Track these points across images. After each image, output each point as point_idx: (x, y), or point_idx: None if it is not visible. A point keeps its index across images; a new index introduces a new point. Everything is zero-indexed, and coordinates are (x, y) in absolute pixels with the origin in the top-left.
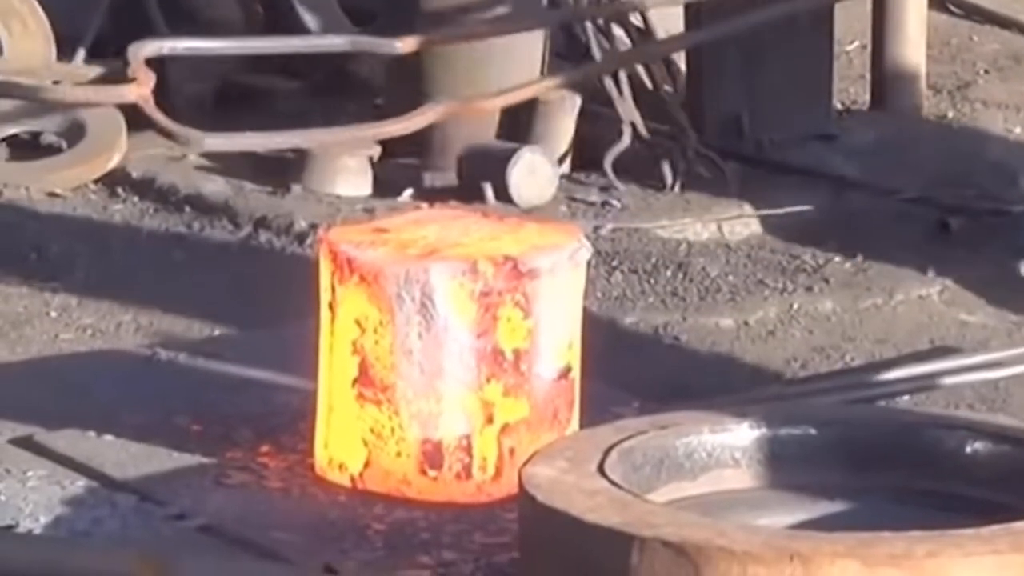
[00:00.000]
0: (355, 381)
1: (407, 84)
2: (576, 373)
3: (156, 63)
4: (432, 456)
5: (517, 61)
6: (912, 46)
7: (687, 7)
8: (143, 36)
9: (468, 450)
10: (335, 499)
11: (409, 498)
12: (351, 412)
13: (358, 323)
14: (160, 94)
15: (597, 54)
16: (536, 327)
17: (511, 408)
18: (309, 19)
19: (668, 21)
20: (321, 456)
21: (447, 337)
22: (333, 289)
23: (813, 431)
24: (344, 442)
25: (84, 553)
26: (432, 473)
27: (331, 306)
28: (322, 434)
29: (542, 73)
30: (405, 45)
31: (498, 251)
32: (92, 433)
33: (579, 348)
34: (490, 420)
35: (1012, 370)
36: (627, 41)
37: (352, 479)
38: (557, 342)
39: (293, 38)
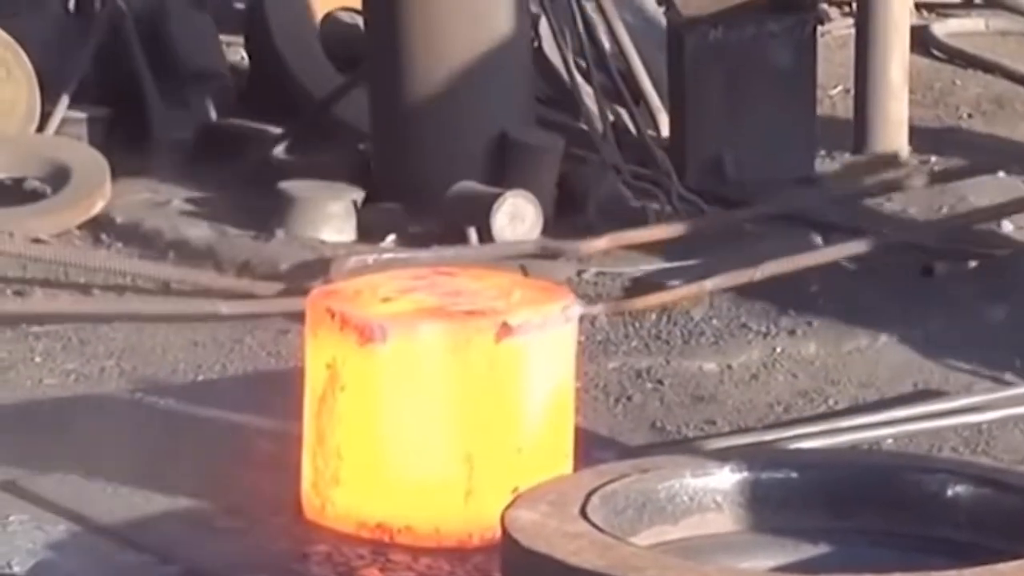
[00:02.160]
0: (343, 428)
1: (392, 129)
2: (570, 426)
3: (136, 107)
4: (422, 503)
5: (504, 106)
6: (895, 90)
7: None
8: (127, 83)
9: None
10: (324, 544)
11: (399, 543)
12: (342, 459)
13: (348, 375)
14: (141, 140)
15: (581, 101)
16: (529, 384)
17: (500, 461)
18: (295, 66)
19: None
20: (309, 501)
21: (438, 390)
22: (324, 342)
23: (795, 474)
24: (334, 487)
25: None
26: (422, 519)
27: (321, 360)
28: (310, 479)
29: (527, 119)
30: None
31: (491, 308)
32: (76, 477)
33: (572, 403)
34: (474, 470)
35: (995, 414)
36: (609, 85)
37: (340, 524)
38: (550, 397)
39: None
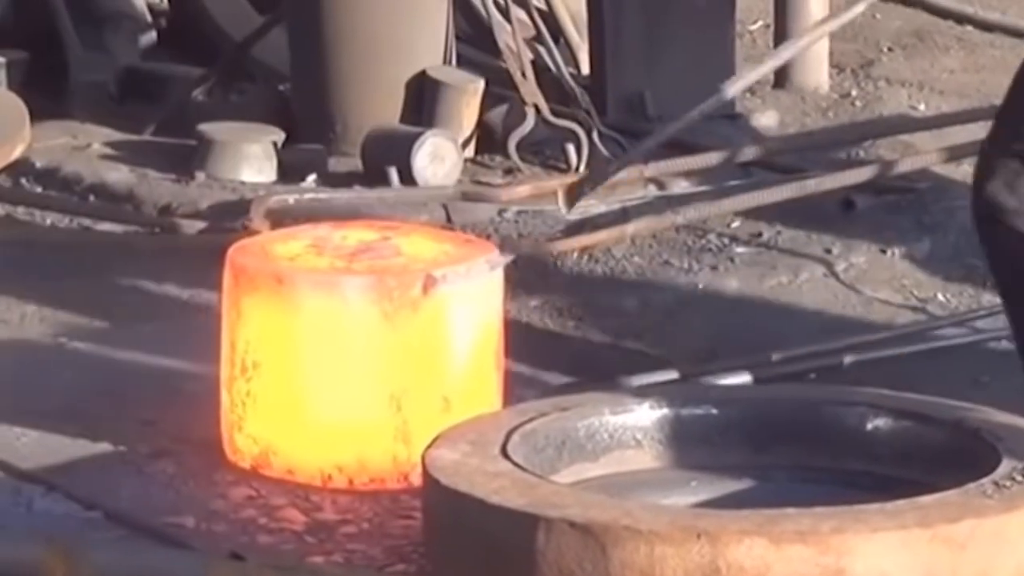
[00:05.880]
0: (266, 377)
1: (312, 69)
2: (498, 376)
3: (55, 50)
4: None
5: (424, 46)
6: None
7: None
8: (45, 25)
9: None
10: (244, 486)
11: (320, 486)
12: (260, 403)
13: (271, 328)
14: (60, 84)
15: (500, 40)
16: (454, 336)
17: (427, 412)
18: (214, 8)
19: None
20: (232, 444)
21: (362, 345)
22: (245, 294)
23: (714, 410)
24: (253, 431)
25: None
26: (344, 465)
27: (242, 310)
28: (230, 422)
29: (447, 57)
30: None
31: (415, 261)
32: None
33: (500, 353)
34: (401, 418)
35: (917, 347)
36: (528, 24)
37: (262, 467)
38: (476, 348)
39: None
